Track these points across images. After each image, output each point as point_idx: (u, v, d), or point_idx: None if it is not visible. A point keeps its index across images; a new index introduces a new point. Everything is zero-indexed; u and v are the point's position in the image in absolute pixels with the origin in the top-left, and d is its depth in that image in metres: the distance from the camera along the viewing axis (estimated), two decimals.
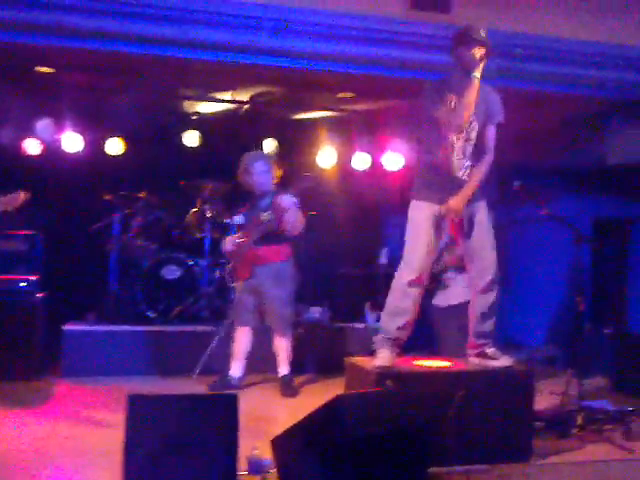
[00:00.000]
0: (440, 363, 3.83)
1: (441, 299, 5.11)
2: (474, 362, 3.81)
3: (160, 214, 6.56)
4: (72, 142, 6.46)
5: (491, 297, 3.77)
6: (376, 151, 6.99)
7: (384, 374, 3.43)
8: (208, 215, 6.38)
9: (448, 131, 3.69)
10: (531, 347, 6.69)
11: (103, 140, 6.72)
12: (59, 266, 6.24)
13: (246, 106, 6.76)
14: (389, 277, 3.91)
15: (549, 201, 4.79)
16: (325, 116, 7.05)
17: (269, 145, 7.00)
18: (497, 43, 4.23)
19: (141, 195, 6.45)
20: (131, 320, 6.00)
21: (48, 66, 5.58)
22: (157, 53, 4.91)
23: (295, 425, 2.90)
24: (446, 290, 5.10)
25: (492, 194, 3.93)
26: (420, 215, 3.75)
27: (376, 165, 7.05)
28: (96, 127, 6.59)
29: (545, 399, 4.51)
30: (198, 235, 6.47)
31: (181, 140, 6.92)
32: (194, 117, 7.06)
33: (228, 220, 5.94)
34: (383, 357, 3.63)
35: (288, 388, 5.08)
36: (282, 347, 5.11)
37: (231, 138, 6.60)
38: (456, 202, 3.68)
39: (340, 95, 6.30)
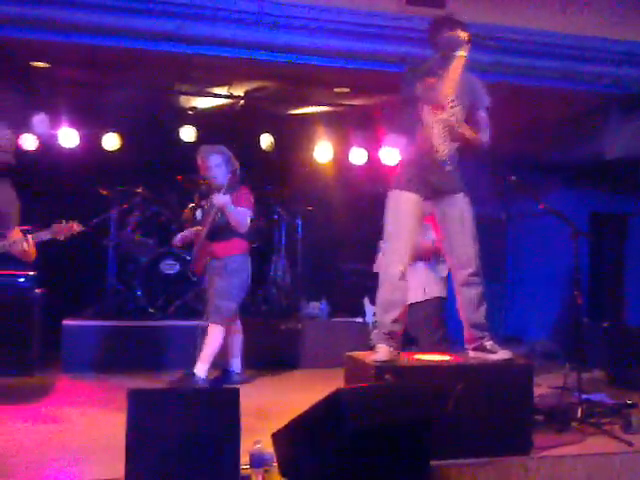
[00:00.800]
0: (439, 357, 3.84)
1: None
2: (473, 356, 3.80)
3: (157, 209, 6.55)
4: (68, 137, 6.45)
5: (474, 290, 3.74)
6: (372, 146, 6.98)
7: (383, 368, 3.43)
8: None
9: (426, 107, 3.65)
10: (530, 341, 6.70)
11: (99, 135, 6.71)
12: (57, 261, 6.22)
13: (242, 101, 6.76)
14: None
15: (542, 195, 4.77)
16: (321, 111, 7.04)
17: (265, 140, 6.99)
18: (491, 37, 4.23)
19: (138, 190, 6.44)
20: (130, 315, 6.00)
21: (43, 61, 5.57)
22: (153, 48, 4.91)
23: (296, 419, 2.91)
24: None
25: (484, 188, 3.92)
26: (399, 204, 3.74)
27: (373, 159, 7.04)
28: (92, 122, 6.58)
29: (544, 392, 4.52)
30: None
31: (178, 135, 6.91)
32: (190, 112, 7.05)
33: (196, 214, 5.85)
34: (382, 352, 3.63)
35: (183, 384, 4.79)
36: (207, 340, 4.85)
37: (227, 133, 6.58)
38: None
39: (336, 90, 6.29)
